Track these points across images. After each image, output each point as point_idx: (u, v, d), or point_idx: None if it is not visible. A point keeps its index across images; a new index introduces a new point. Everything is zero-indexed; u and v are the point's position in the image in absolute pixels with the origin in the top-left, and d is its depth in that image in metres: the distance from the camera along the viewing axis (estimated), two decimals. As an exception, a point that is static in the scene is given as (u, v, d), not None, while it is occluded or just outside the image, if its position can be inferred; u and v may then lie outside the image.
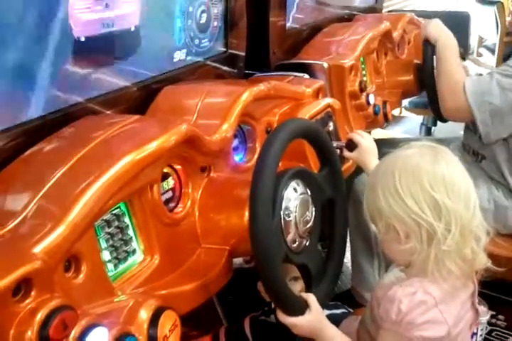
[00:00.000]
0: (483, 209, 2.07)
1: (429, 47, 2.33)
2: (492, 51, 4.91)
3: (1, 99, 1.22)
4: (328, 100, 1.95)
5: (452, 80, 2.19)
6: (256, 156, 1.54)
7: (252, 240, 1.20)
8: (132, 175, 1.16)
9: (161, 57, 1.68)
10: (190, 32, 1.77)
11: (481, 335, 1.37)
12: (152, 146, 1.21)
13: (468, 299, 1.34)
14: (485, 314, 1.38)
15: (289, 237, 1.31)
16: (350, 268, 2.29)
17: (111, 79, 1.51)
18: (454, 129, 2.47)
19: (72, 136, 1.29)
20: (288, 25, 2.30)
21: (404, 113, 4.05)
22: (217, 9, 1.88)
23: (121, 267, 1.21)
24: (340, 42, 2.36)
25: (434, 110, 2.54)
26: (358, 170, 1.85)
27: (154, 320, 1.05)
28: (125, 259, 1.21)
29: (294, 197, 1.32)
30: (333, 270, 1.47)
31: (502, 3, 4.79)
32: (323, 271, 1.44)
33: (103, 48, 1.47)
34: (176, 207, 1.38)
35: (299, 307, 1.32)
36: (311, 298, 1.34)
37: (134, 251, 1.24)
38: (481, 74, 2.42)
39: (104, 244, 1.17)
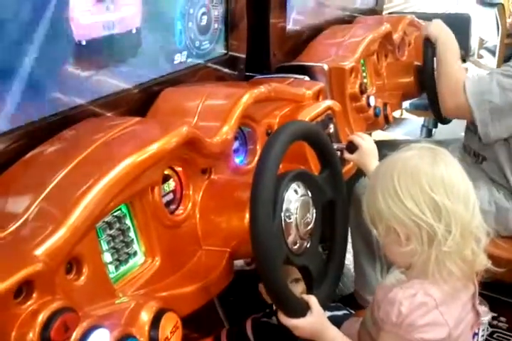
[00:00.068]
0: (484, 211, 2.07)
1: (429, 46, 2.34)
2: (493, 53, 4.91)
3: (2, 102, 1.22)
4: (329, 102, 1.95)
5: (452, 79, 2.20)
6: (256, 158, 1.54)
7: (252, 242, 1.20)
8: (133, 177, 1.16)
9: (162, 59, 1.69)
10: (191, 34, 1.78)
11: (482, 336, 1.37)
12: (153, 148, 1.21)
13: (469, 300, 1.34)
14: (486, 314, 1.38)
15: (290, 239, 1.31)
16: (352, 271, 2.29)
17: (112, 81, 1.51)
18: (455, 131, 2.48)
19: (73, 138, 1.30)
20: (288, 27, 2.30)
21: (405, 115, 4.05)
22: (218, 11, 1.88)
23: (123, 269, 1.21)
24: (340, 45, 2.36)
25: (434, 112, 2.55)
26: (360, 172, 1.86)
27: (155, 322, 1.05)
28: (126, 261, 1.22)
29: (294, 199, 1.32)
30: (334, 271, 1.47)
31: (503, 5, 4.80)
32: (324, 272, 1.44)
33: (104, 51, 1.47)
34: (176, 209, 1.38)
35: (301, 309, 1.32)
36: (313, 300, 1.34)
37: (135, 253, 1.24)
38: (481, 75, 2.42)
39: (105, 246, 1.18)
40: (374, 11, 3.12)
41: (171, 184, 1.37)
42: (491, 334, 2.23)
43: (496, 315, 2.23)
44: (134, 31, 1.55)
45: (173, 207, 1.37)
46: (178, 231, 1.34)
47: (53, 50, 1.31)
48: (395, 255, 1.33)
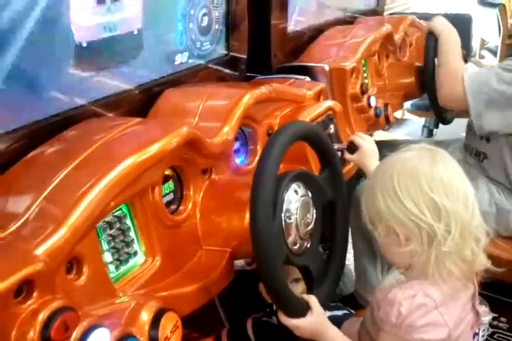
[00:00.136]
0: (485, 212, 2.07)
1: (432, 39, 2.35)
2: (494, 53, 4.91)
3: (4, 102, 1.22)
4: (329, 103, 1.95)
5: (452, 69, 2.21)
6: (257, 159, 1.55)
7: (253, 243, 1.20)
8: (134, 177, 1.16)
9: (163, 60, 1.69)
10: (192, 35, 1.78)
11: (482, 336, 1.37)
12: (153, 149, 1.21)
13: (469, 300, 1.34)
14: (486, 314, 1.38)
15: (290, 239, 1.31)
16: (353, 271, 2.29)
17: (113, 82, 1.52)
18: (456, 131, 2.48)
19: (75, 139, 1.30)
20: (289, 27, 2.30)
21: (407, 115, 4.05)
22: (219, 12, 1.88)
23: (123, 269, 1.21)
24: (341, 45, 2.37)
25: (435, 112, 2.55)
26: (361, 173, 1.86)
27: (155, 322, 1.05)
28: (126, 261, 1.22)
29: (294, 199, 1.33)
30: (335, 271, 1.47)
31: (504, 6, 4.80)
32: (325, 272, 1.44)
33: (105, 52, 1.47)
34: (177, 209, 1.39)
35: (301, 309, 1.33)
36: (313, 300, 1.34)
37: (135, 253, 1.24)
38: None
39: (105, 246, 1.18)
40: (375, 12, 3.13)
41: (172, 184, 1.37)
42: (491, 335, 2.23)
43: (496, 315, 2.23)
44: (135, 33, 1.55)
45: (173, 207, 1.38)
46: (178, 231, 1.35)
47: (54, 51, 1.32)
48: (393, 255, 1.34)
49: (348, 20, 2.81)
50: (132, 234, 1.24)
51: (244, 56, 2.03)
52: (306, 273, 1.41)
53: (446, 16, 2.46)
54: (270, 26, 2.14)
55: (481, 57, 5.20)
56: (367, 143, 1.75)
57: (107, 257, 1.18)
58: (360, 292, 2.20)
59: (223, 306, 1.94)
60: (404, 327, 1.24)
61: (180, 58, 1.75)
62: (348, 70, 2.20)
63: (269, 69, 2.17)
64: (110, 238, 1.19)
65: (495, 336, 2.24)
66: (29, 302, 0.92)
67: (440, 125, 3.57)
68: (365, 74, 2.45)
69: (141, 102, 1.59)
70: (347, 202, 1.52)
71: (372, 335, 1.40)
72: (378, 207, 1.27)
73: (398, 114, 3.89)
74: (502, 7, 4.73)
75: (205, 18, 1.83)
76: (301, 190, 1.36)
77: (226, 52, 1.96)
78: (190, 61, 1.79)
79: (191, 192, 1.41)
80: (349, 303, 1.94)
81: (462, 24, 3.39)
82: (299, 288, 1.54)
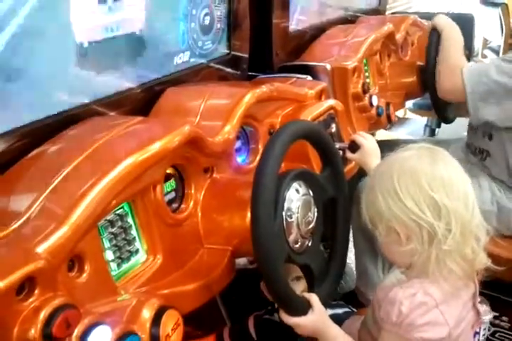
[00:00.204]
0: (487, 211, 2.09)
1: (434, 35, 2.35)
2: (497, 53, 4.91)
3: (6, 101, 1.23)
4: (331, 102, 1.96)
5: (452, 63, 2.23)
6: (258, 158, 1.55)
7: (253, 243, 1.20)
8: (135, 175, 1.17)
9: (165, 59, 1.69)
10: (194, 34, 1.78)
11: (483, 335, 1.37)
12: (155, 147, 1.22)
13: (470, 299, 1.35)
14: (487, 313, 1.38)
15: (291, 238, 1.32)
16: (353, 269, 2.29)
17: (115, 81, 1.52)
18: (458, 131, 2.48)
19: (76, 137, 1.30)
20: (291, 27, 2.30)
21: (409, 114, 4.05)
22: (221, 11, 1.89)
23: (125, 266, 1.22)
24: (343, 44, 2.37)
25: (437, 111, 2.55)
26: (363, 172, 1.86)
27: (157, 319, 1.06)
28: (128, 259, 1.23)
29: (296, 198, 1.33)
30: (336, 270, 1.47)
31: (506, 5, 4.79)
32: (326, 271, 1.45)
33: (107, 52, 1.47)
34: (178, 207, 1.39)
35: (302, 308, 1.33)
36: (314, 298, 1.35)
37: (137, 251, 1.25)
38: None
39: (107, 244, 1.18)
40: (377, 11, 3.12)
41: (173, 183, 1.38)
42: (493, 334, 2.23)
43: (497, 314, 2.23)
44: (137, 33, 1.55)
45: (175, 205, 1.38)
46: (179, 229, 1.35)
47: (55, 50, 1.32)
48: (394, 254, 1.34)
49: (350, 20, 2.81)
50: (134, 232, 1.25)
51: (246, 55, 2.03)
52: (308, 272, 1.41)
53: (449, 16, 2.46)
54: (272, 25, 2.14)
55: (484, 56, 5.19)
56: (368, 142, 1.75)
57: (109, 255, 1.18)
58: (361, 289, 2.20)
59: (225, 304, 1.95)
60: (405, 325, 1.24)
61: (182, 57, 1.75)
62: (350, 69, 2.20)
63: (270, 69, 2.17)
64: (112, 236, 1.19)
65: (496, 335, 2.25)
66: (31, 299, 0.93)
67: (442, 124, 3.58)
68: (366, 74, 2.45)
69: (143, 101, 1.59)
70: (348, 201, 1.53)
71: (373, 334, 1.40)
72: (378, 207, 1.28)
73: (400, 113, 3.89)
74: (504, 6, 4.73)
75: (207, 18, 1.84)
76: (303, 189, 1.36)
77: (228, 52, 1.96)
78: (192, 60, 1.80)
79: (193, 191, 1.42)
80: (350, 301, 1.94)
81: (464, 23, 3.38)
82: (300, 287, 1.54)
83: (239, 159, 1.65)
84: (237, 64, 2.00)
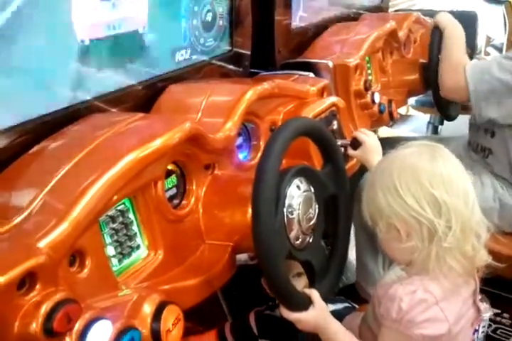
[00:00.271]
0: (489, 208, 2.09)
1: (437, 34, 2.35)
2: (500, 50, 4.89)
3: (8, 97, 1.23)
4: (333, 99, 1.96)
5: (455, 61, 2.23)
6: (260, 154, 1.55)
7: (254, 240, 1.21)
8: (136, 172, 1.17)
9: (166, 56, 1.69)
10: (196, 31, 1.78)
11: (482, 332, 1.38)
12: (156, 144, 1.22)
13: (470, 296, 1.35)
14: (487, 311, 1.38)
15: (292, 234, 1.32)
16: (353, 262, 2.30)
17: (117, 77, 1.52)
18: (461, 128, 2.48)
19: (78, 134, 1.31)
20: (293, 24, 2.30)
21: (411, 112, 4.04)
22: (223, 8, 1.89)
23: (126, 262, 1.22)
24: (345, 42, 2.37)
25: (439, 108, 2.55)
26: (365, 168, 1.87)
27: (157, 314, 1.07)
28: (129, 254, 1.23)
29: (297, 194, 1.33)
30: (337, 266, 1.48)
31: (510, 3, 4.77)
32: (327, 267, 1.45)
33: (109, 49, 1.48)
34: (180, 203, 1.39)
35: (303, 303, 1.33)
36: (315, 294, 1.35)
37: (138, 247, 1.25)
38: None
39: (108, 240, 1.19)
40: (380, 8, 3.12)
41: (174, 179, 1.38)
42: (494, 331, 2.23)
43: (499, 311, 2.23)
44: (140, 31, 1.56)
45: (176, 201, 1.39)
46: (181, 225, 1.36)
47: (57, 47, 1.32)
48: (394, 251, 1.34)
49: (353, 17, 2.81)
50: (135, 227, 1.25)
51: (248, 52, 2.03)
52: (309, 268, 1.41)
53: (452, 13, 2.46)
54: (274, 22, 2.14)
55: (487, 54, 5.18)
56: (370, 139, 1.76)
57: (110, 250, 1.19)
58: (361, 284, 2.21)
59: (226, 300, 1.96)
60: (405, 322, 1.24)
61: (184, 54, 1.76)
62: (352, 67, 2.20)
63: (272, 66, 2.17)
64: (113, 232, 1.20)
65: (497, 332, 2.25)
66: (32, 294, 0.94)
67: (445, 122, 3.57)
68: (369, 71, 2.45)
69: (145, 98, 1.59)
70: (349, 197, 1.53)
71: (373, 330, 1.40)
72: (379, 204, 1.28)
73: (403, 111, 3.88)
74: (508, 4, 4.71)
75: (209, 15, 1.84)
76: (304, 185, 1.37)
77: (230, 49, 1.96)
78: (194, 57, 1.80)
79: (194, 187, 1.42)
80: (350, 295, 1.95)
81: (468, 21, 3.38)
82: (301, 283, 1.55)
83: (240, 156, 1.66)
84: (239, 61, 2.00)
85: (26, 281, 0.93)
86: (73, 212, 1.04)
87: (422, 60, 2.68)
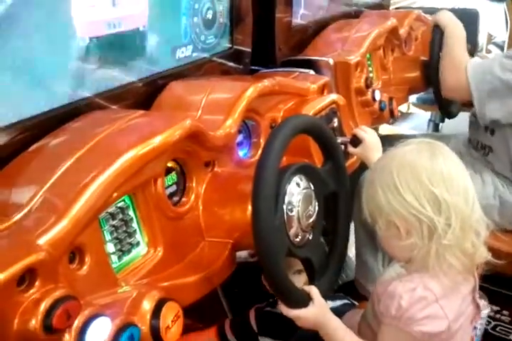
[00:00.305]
0: (489, 205, 2.09)
1: (438, 33, 2.35)
2: (501, 48, 4.89)
3: (8, 94, 1.23)
4: (333, 96, 1.96)
5: (456, 60, 2.23)
6: (260, 151, 1.55)
7: (254, 237, 1.21)
8: (136, 169, 1.17)
9: (167, 53, 1.69)
10: (196, 28, 1.78)
11: (480, 329, 1.38)
12: (156, 141, 1.22)
13: (470, 293, 1.35)
14: (485, 307, 1.39)
15: (292, 231, 1.32)
16: (353, 259, 2.30)
17: (117, 74, 1.52)
18: (462, 125, 2.48)
19: (78, 131, 1.31)
20: (294, 21, 2.30)
21: (412, 109, 4.04)
22: (223, 6, 1.89)
23: (125, 259, 1.22)
24: (346, 39, 2.37)
25: (440, 106, 2.55)
26: (365, 166, 1.87)
27: (157, 311, 1.07)
28: (129, 251, 1.23)
29: (297, 192, 1.34)
30: (336, 263, 1.48)
31: (511, 0, 4.77)
32: (326, 264, 1.45)
33: (109, 47, 1.47)
34: (179, 200, 1.40)
35: (302, 300, 1.34)
36: (314, 291, 1.35)
37: (137, 244, 1.25)
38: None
39: (108, 237, 1.19)
40: (381, 6, 3.12)
41: (174, 176, 1.38)
42: (493, 328, 2.24)
43: (498, 308, 2.24)
44: (141, 29, 1.56)
45: (176, 198, 1.39)
46: (181, 222, 1.36)
47: (57, 44, 1.32)
48: (394, 249, 1.34)
49: (354, 14, 2.80)
50: (135, 224, 1.25)
51: (249, 49, 2.03)
52: (308, 265, 1.42)
53: (454, 11, 2.46)
54: (275, 19, 2.14)
55: (488, 51, 5.18)
56: (370, 137, 1.76)
57: (110, 247, 1.19)
58: (360, 281, 2.21)
59: (226, 297, 1.96)
60: (404, 319, 1.24)
61: (185, 52, 1.76)
62: (353, 64, 2.20)
63: (273, 63, 2.17)
64: (113, 229, 1.20)
65: (497, 329, 2.25)
66: (31, 291, 0.94)
67: (446, 119, 3.57)
68: (369, 68, 2.45)
69: (145, 95, 1.60)
70: (349, 195, 1.53)
71: (373, 328, 1.41)
72: (378, 201, 1.28)
73: (404, 108, 3.88)
74: (509, 2, 4.70)
75: (210, 12, 1.84)
76: (303, 183, 1.37)
77: (230, 46, 1.96)
78: (195, 54, 1.80)
79: (194, 184, 1.42)
80: (349, 292, 1.95)
81: (469, 19, 3.38)
82: (301, 280, 1.55)
83: (240, 153, 1.66)
84: (240, 58, 2.00)
85: (26, 278, 0.93)
86: (73, 209, 1.04)
87: (422, 58, 2.68)
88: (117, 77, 1.52)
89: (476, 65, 2.16)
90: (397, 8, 3.44)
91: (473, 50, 2.98)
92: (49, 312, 0.92)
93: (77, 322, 0.96)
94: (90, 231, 1.09)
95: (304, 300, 1.34)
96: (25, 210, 1.05)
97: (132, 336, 1.02)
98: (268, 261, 1.23)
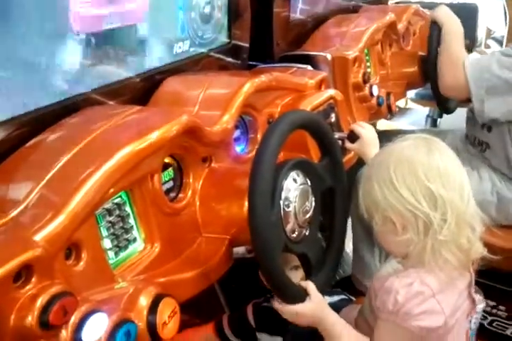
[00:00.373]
0: (487, 201, 2.09)
1: (435, 29, 2.35)
2: (500, 43, 4.89)
3: (5, 90, 1.23)
4: (331, 91, 1.96)
5: (454, 57, 2.22)
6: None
7: (251, 233, 1.21)
8: (133, 165, 1.17)
9: (165, 48, 1.69)
10: (194, 23, 1.78)
11: (475, 323, 1.38)
12: (153, 136, 1.22)
13: (466, 289, 1.35)
14: (480, 302, 1.39)
15: (289, 227, 1.32)
16: (350, 254, 2.30)
17: (114, 70, 1.52)
18: (460, 121, 2.49)
19: (75, 126, 1.31)
20: (292, 16, 2.30)
21: (410, 105, 4.04)
22: (221, 1, 1.88)
23: (122, 255, 1.22)
24: (344, 34, 2.37)
25: (438, 101, 2.55)
26: (362, 161, 1.87)
27: (154, 307, 1.07)
28: (126, 247, 1.23)
29: (293, 187, 1.34)
30: (333, 259, 1.48)
31: (510, -5, 4.76)
32: (323, 259, 1.45)
33: (106, 42, 1.47)
34: (176, 196, 1.40)
35: (299, 296, 1.34)
36: (310, 286, 1.35)
37: (134, 240, 1.25)
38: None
39: (105, 232, 1.19)
40: (379, 0, 3.12)
41: (171, 172, 1.38)
42: (490, 323, 2.24)
43: (495, 303, 2.24)
44: (138, 24, 1.55)
45: (173, 194, 1.39)
46: (177, 218, 1.36)
47: (53, 39, 1.32)
48: (389, 244, 1.35)
49: (352, 9, 2.80)
50: (132, 220, 1.26)
51: (247, 44, 2.03)
52: (305, 261, 1.42)
53: (453, 6, 2.46)
54: (273, 14, 2.14)
55: (487, 46, 5.17)
56: (367, 132, 1.75)
57: (106, 243, 1.19)
58: (357, 276, 2.21)
59: (224, 292, 1.96)
60: (401, 314, 1.24)
61: (182, 47, 1.75)
62: (351, 59, 2.20)
63: (271, 58, 2.17)
64: (109, 225, 1.20)
65: (494, 324, 2.26)
66: (28, 287, 0.94)
67: (444, 115, 3.57)
68: (367, 63, 2.46)
69: (143, 90, 1.59)
70: (346, 190, 1.53)
71: (370, 323, 1.41)
72: (375, 196, 1.28)
73: (402, 104, 3.88)
74: (509, -4, 4.70)
75: (208, 7, 1.83)
76: (300, 178, 1.37)
77: (228, 41, 1.96)
78: (192, 49, 1.79)
79: (191, 180, 1.42)
80: (346, 287, 1.95)
81: (468, 14, 3.38)
82: (298, 276, 1.55)
83: (238, 148, 1.66)
84: (238, 53, 1.99)
85: (22, 274, 0.93)
86: (70, 204, 1.04)
87: (421, 53, 2.68)
88: (114, 72, 1.52)
89: (473, 63, 2.15)
90: (396, 3, 3.43)
91: (471, 45, 2.98)
92: (45, 309, 0.92)
93: (73, 318, 0.96)
94: (87, 227, 1.08)
95: (301, 296, 1.34)
96: (22, 206, 1.05)
97: (129, 332, 1.02)
98: (265, 257, 1.23)
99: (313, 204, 1.41)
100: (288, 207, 1.32)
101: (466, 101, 2.22)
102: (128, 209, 1.25)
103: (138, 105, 1.43)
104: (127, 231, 1.24)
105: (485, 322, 2.21)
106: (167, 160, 1.36)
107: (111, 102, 1.49)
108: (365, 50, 2.41)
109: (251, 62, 2.06)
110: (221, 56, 1.92)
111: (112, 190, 1.14)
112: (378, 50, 2.56)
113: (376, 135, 1.76)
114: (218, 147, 1.48)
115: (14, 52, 1.23)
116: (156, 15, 1.61)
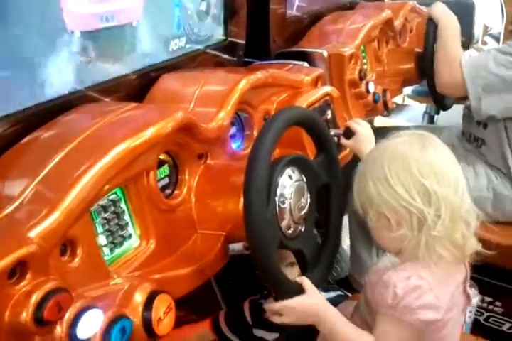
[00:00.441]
0: (483, 197, 2.09)
1: (431, 25, 2.35)
2: (497, 40, 4.88)
3: (0, 87, 1.23)
4: (327, 88, 1.96)
5: (450, 55, 2.22)
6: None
7: (246, 229, 1.21)
8: (128, 161, 1.17)
9: (161, 45, 1.69)
10: (190, 20, 1.78)
11: (469, 317, 1.39)
12: (148, 133, 1.22)
13: (461, 284, 1.36)
14: (475, 296, 1.40)
15: (284, 223, 1.32)
16: (348, 252, 2.31)
17: (110, 67, 1.52)
18: (457, 117, 2.49)
19: (70, 123, 1.31)
20: (289, 12, 2.30)
21: (407, 101, 4.04)
22: (217, -3, 1.88)
23: (117, 251, 1.22)
24: (341, 31, 2.37)
25: (434, 98, 2.55)
26: (358, 159, 1.87)
27: (149, 303, 1.08)
28: (121, 244, 1.23)
29: (289, 184, 1.34)
30: (329, 255, 1.48)
31: (507, -8, 4.76)
32: (318, 256, 1.45)
33: (101, 40, 1.47)
34: (172, 193, 1.40)
35: (294, 292, 1.34)
36: (306, 282, 1.35)
37: (129, 236, 1.26)
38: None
39: (100, 229, 1.19)
40: (376, -3, 3.12)
41: (167, 169, 1.38)
42: (486, 319, 2.25)
43: (491, 299, 2.25)
44: (134, 24, 1.55)
45: (168, 191, 1.39)
46: (173, 215, 1.36)
47: (47, 37, 1.32)
48: (384, 240, 1.35)
49: (349, 6, 2.80)
50: (127, 217, 1.26)
51: (243, 41, 2.03)
52: (300, 257, 1.42)
53: (449, 2, 2.45)
54: (269, 11, 2.14)
55: (484, 43, 5.17)
56: (363, 129, 1.76)
57: (102, 240, 1.19)
58: (354, 276, 2.22)
59: (221, 289, 1.96)
60: (400, 308, 1.25)
61: (178, 43, 1.75)
62: (347, 56, 2.20)
63: (267, 55, 2.17)
64: (105, 221, 1.20)
65: (490, 320, 2.26)
66: (22, 283, 0.94)
67: (441, 111, 3.57)
68: (364, 60, 2.46)
69: (138, 87, 1.59)
70: (342, 187, 1.54)
71: (366, 318, 1.41)
72: (369, 193, 1.29)
73: (399, 100, 3.88)
74: (505, -7, 4.70)
75: (204, 4, 1.83)
76: (296, 175, 1.37)
77: (224, 38, 1.96)
78: (188, 46, 1.79)
79: (186, 177, 1.42)
80: (343, 286, 1.95)
81: (465, 10, 3.38)
82: (294, 272, 1.55)
83: (234, 145, 1.66)
84: (234, 50, 2.00)
85: (17, 270, 0.93)
86: (64, 201, 1.04)
87: (417, 50, 2.68)
88: (110, 69, 1.52)
89: (470, 61, 2.15)
90: (392, 0, 3.43)
91: (468, 42, 2.98)
92: (40, 305, 0.93)
93: (68, 315, 0.96)
94: (82, 223, 1.09)
95: (296, 292, 1.34)
96: (17, 203, 1.05)
97: (124, 328, 1.02)
98: (260, 253, 1.23)
99: (309, 200, 1.41)
100: (283, 203, 1.32)
101: (463, 98, 2.22)
102: (123, 205, 1.25)
103: (134, 102, 1.43)
104: (122, 227, 1.24)
105: (481, 318, 2.22)
106: (162, 156, 1.36)
107: (107, 99, 1.49)
108: (362, 47, 2.41)
109: (247, 59, 2.06)
110: (217, 53, 1.92)
111: (107, 187, 1.14)
112: (375, 46, 2.56)
113: (372, 132, 1.76)
114: (214, 144, 1.48)
115: (9, 50, 1.23)
116: (152, 12, 1.61)
